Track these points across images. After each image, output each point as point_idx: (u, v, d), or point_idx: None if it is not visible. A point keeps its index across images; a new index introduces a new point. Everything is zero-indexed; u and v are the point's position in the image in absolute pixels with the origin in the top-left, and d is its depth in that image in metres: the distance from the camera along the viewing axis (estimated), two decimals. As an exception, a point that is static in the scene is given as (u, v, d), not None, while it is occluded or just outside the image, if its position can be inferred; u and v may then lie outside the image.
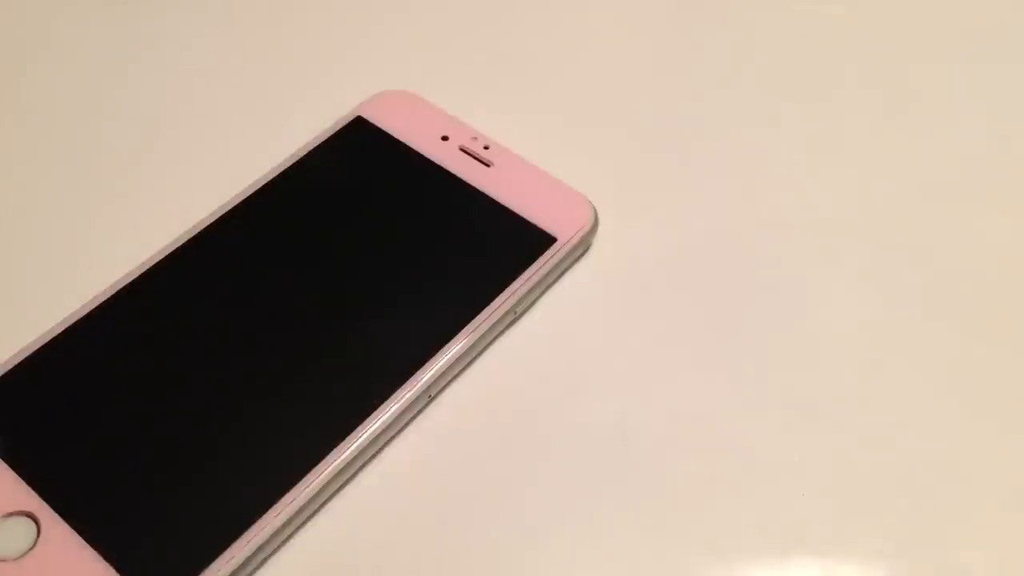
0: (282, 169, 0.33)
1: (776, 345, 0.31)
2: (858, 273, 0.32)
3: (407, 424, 0.29)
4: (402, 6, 0.40)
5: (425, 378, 0.28)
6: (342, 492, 0.27)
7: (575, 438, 0.29)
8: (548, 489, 0.28)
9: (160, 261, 0.31)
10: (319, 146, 0.34)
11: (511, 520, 0.27)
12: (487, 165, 0.33)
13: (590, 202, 0.32)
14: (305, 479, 0.26)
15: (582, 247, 0.32)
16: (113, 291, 0.30)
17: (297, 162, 0.33)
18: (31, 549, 0.25)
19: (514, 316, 0.30)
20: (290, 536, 0.27)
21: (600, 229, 0.33)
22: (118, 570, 0.25)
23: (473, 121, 0.35)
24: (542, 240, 0.31)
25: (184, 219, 0.32)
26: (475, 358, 0.30)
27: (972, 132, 0.37)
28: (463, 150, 0.34)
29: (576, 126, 0.36)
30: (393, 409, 0.28)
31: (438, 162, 0.33)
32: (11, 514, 0.26)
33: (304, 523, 0.27)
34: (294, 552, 0.26)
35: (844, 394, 0.30)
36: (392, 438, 0.28)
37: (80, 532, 0.25)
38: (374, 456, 0.28)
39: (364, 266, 0.31)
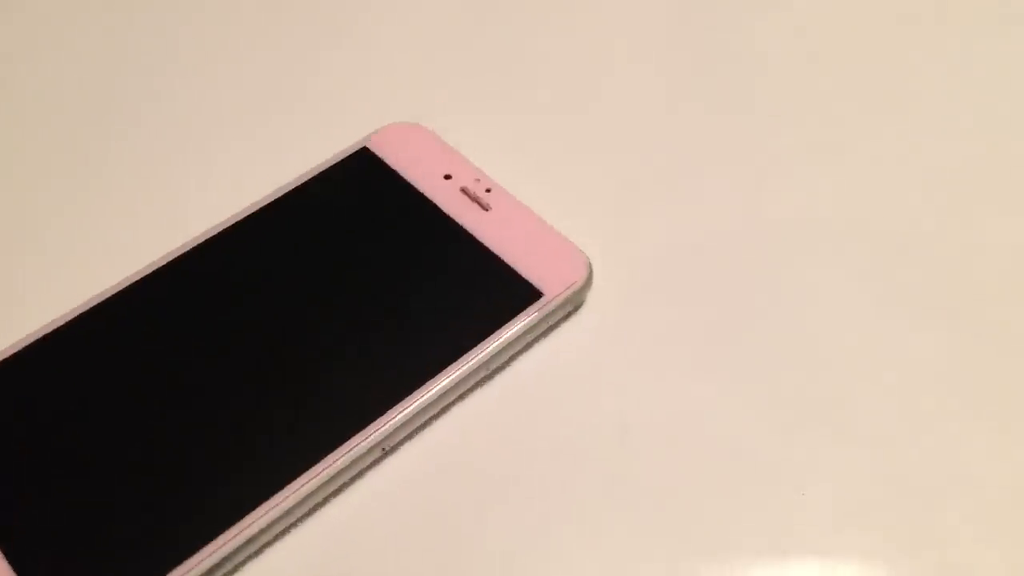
0: (278, 196, 0.33)
1: (776, 345, 0.31)
2: (858, 274, 0.32)
3: (367, 469, 0.28)
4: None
5: (377, 432, 0.27)
6: (301, 528, 0.27)
7: (573, 433, 0.29)
8: (546, 487, 0.28)
9: (132, 285, 0.30)
10: (319, 175, 0.33)
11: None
12: (486, 209, 0.32)
13: (586, 257, 0.31)
14: (234, 528, 0.25)
15: (572, 304, 0.31)
16: (80, 311, 0.30)
17: (294, 189, 0.33)
18: None
19: (487, 372, 0.29)
20: None
21: (595, 247, 0.32)
22: None
23: (481, 155, 0.35)
24: (528, 295, 0.30)
25: (176, 238, 0.32)
26: (443, 411, 0.29)
27: (972, 130, 0.37)
28: (464, 191, 0.33)
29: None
30: (339, 461, 0.27)
31: (435, 201, 0.32)
32: None
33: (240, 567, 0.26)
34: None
35: (844, 394, 0.30)
36: (347, 484, 0.28)
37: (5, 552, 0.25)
38: (317, 508, 0.27)
39: (338, 303, 0.30)
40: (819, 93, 0.38)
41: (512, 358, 0.30)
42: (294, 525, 0.27)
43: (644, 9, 0.41)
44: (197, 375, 0.28)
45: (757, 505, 0.27)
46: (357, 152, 0.34)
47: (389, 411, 0.27)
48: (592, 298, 0.32)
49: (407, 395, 0.28)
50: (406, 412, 0.28)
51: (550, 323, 0.30)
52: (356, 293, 0.30)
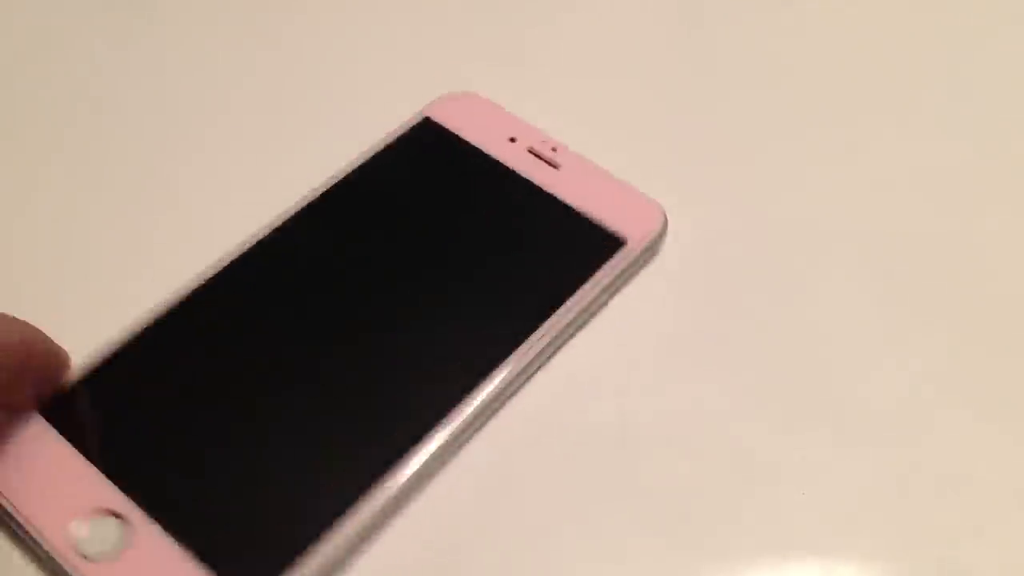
0: (348, 172, 0.33)
1: (777, 345, 0.31)
2: (859, 273, 0.32)
3: (464, 441, 0.28)
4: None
5: (480, 398, 0.28)
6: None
7: (575, 436, 0.29)
8: (546, 486, 0.28)
9: (233, 260, 0.30)
10: (386, 148, 0.33)
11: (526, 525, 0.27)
12: (555, 167, 0.33)
13: (660, 205, 0.32)
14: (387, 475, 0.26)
15: (651, 252, 0.32)
16: (187, 291, 0.30)
17: (364, 164, 0.33)
18: (121, 550, 0.25)
19: (583, 320, 0.30)
20: (371, 534, 0.26)
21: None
22: (211, 568, 0.24)
23: (537, 123, 0.34)
24: (612, 243, 0.31)
25: (252, 222, 0.32)
26: (542, 365, 0.29)
27: (972, 130, 0.37)
28: (531, 152, 0.33)
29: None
30: (452, 426, 0.27)
31: (507, 164, 0.33)
32: (99, 514, 0.25)
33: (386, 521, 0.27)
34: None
35: (845, 394, 0.30)
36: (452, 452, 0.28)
37: (170, 531, 0.25)
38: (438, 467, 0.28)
39: (425, 273, 0.30)
40: (819, 93, 0.38)
41: (601, 307, 0.31)
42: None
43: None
44: (308, 351, 0.29)
45: (757, 505, 0.27)
46: (420, 123, 0.34)
47: (496, 369, 0.28)
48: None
49: (515, 349, 0.28)
50: (520, 361, 0.28)
51: (632, 272, 0.31)
52: (444, 260, 0.31)
